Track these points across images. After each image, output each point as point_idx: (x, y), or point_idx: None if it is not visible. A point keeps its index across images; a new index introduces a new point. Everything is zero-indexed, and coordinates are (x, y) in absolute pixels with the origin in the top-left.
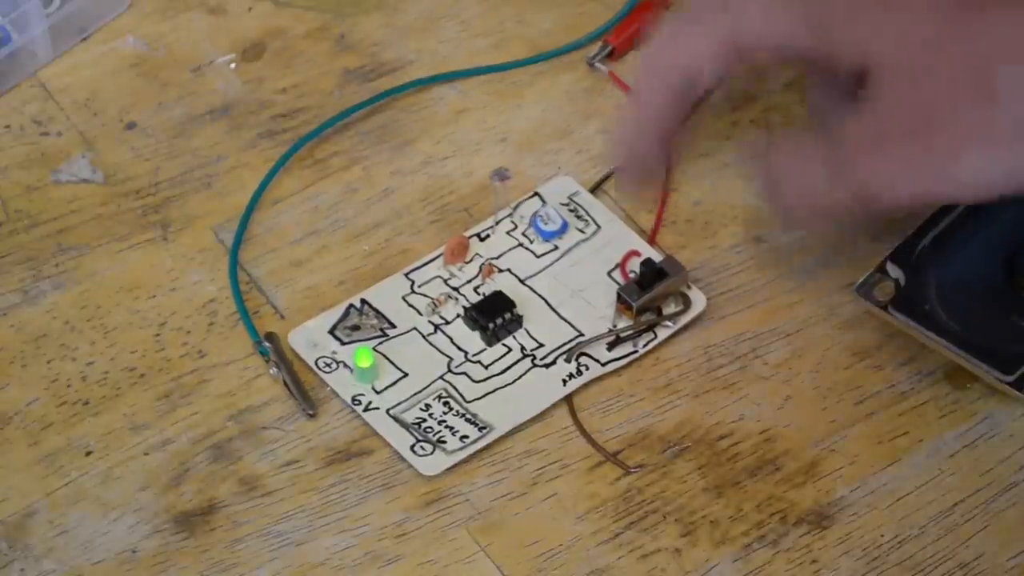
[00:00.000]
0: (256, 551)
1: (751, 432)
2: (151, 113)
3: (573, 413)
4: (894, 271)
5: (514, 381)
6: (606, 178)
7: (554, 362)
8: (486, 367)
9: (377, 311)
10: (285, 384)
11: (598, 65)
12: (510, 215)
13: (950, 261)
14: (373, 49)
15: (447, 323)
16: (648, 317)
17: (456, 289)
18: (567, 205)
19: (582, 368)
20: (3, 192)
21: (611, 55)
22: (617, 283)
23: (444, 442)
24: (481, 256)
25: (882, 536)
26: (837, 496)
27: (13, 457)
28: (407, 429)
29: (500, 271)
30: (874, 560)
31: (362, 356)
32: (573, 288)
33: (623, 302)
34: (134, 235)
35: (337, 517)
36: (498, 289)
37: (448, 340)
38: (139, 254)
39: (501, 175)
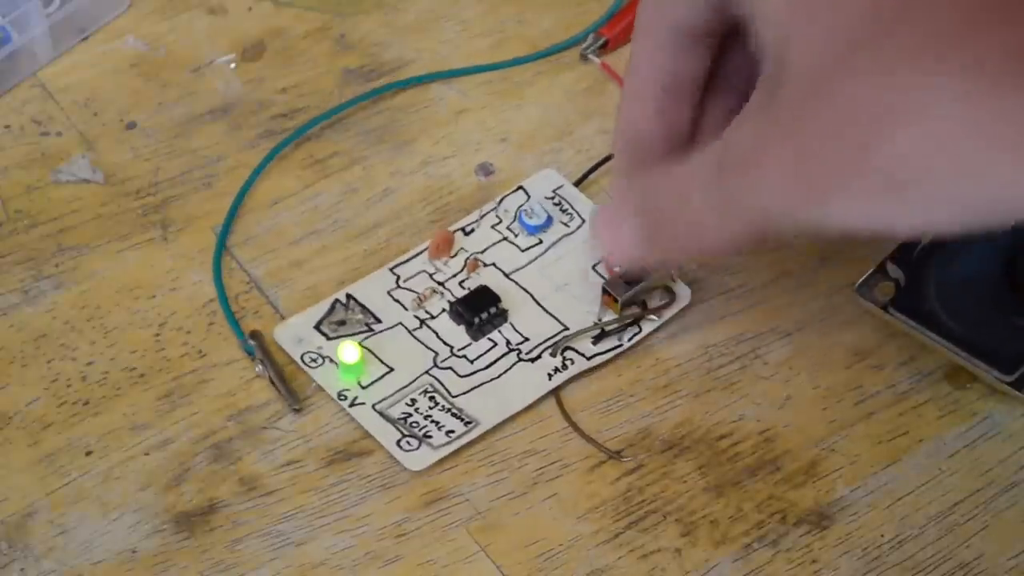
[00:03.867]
0: (256, 551)
1: (751, 432)
2: (151, 113)
3: (561, 406)
4: (894, 271)
5: (500, 375)
6: (591, 171)
7: (539, 356)
8: (472, 361)
9: (363, 306)
10: (271, 380)
11: (591, 57)
12: (495, 209)
13: (950, 261)
14: (373, 49)
15: (432, 318)
16: (633, 311)
17: (441, 283)
18: (552, 199)
19: (567, 362)
20: (3, 192)
21: (605, 47)
22: (602, 277)
23: (430, 437)
24: (466, 251)
25: (882, 536)
26: (837, 496)
27: (13, 457)
28: (393, 424)
29: (485, 265)
30: (874, 560)
31: (347, 352)
32: (558, 282)
33: (609, 295)
34: (134, 235)
35: (337, 517)
36: (483, 283)
37: (434, 335)
38: (139, 254)
39: (486, 169)
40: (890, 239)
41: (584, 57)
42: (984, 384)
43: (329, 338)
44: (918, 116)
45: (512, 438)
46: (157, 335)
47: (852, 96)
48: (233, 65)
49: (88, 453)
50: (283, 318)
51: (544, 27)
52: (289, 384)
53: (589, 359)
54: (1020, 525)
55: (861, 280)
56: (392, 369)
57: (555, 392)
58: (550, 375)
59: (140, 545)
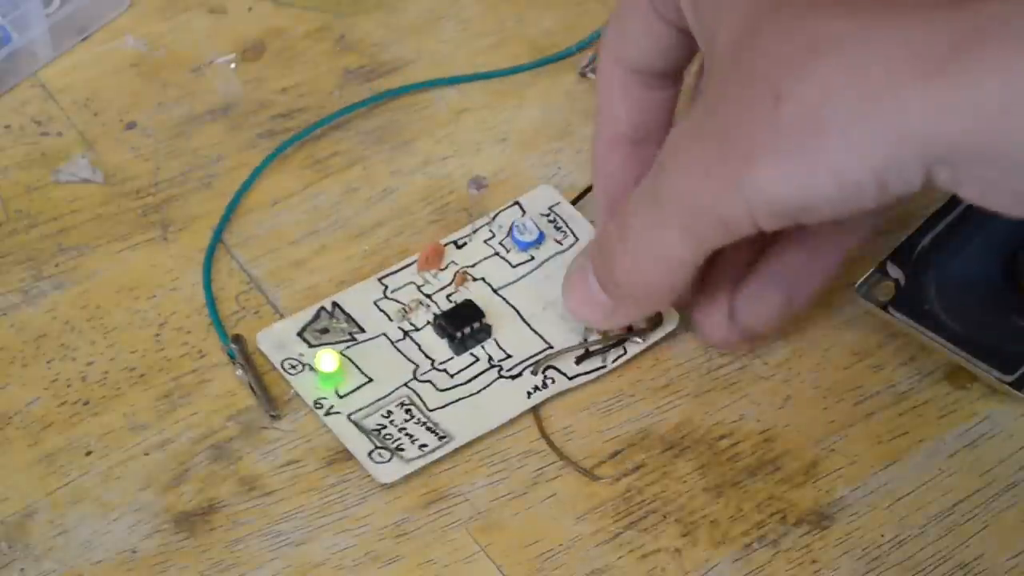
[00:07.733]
0: (256, 551)
1: (751, 432)
2: (151, 113)
3: (539, 423)
4: (894, 271)
5: (479, 391)
6: (589, 190)
7: (520, 374)
8: (452, 376)
9: (347, 315)
10: (249, 386)
11: (590, 75)
12: (488, 224)
13: (950, 261)
14: (373, 49)
15: (417, 330)
16: (619, 332)
17: (429, 296)
18: (547, 216)
19: (548, 381)
20: (3, 192)
21: None
22: None
23: (402, 450)
24: (456, 264)
25: (882, 536)
26: (837, 496)
27: (13, 457)
28: (367, 435)
29: (475, 279)
30: (874, 560)
31: (325, 361)
32: (546, 300)
33: None
34: (134, 235)
35: (337, 517)
36: (468, 298)
37: (416, 347)
38: (139, 254)
39: (478, 183)
40: (827, 215)
41: (583, 75)
42: (984, 384)
43: (311, 345)
44: (828, 47)
45: (512, 438)
46: (157, 335)
47: (763, 50)
48: (233, 65)
49: (88, 453)
50: (283, 318)
51: (544, 27)
52: (268, 390)
53: (571, 379)
54: (1020, 525)
55: (861, 280)
56: (371, 380)
57: (533, 411)
58: (529, 393)
59: (140, 545)
